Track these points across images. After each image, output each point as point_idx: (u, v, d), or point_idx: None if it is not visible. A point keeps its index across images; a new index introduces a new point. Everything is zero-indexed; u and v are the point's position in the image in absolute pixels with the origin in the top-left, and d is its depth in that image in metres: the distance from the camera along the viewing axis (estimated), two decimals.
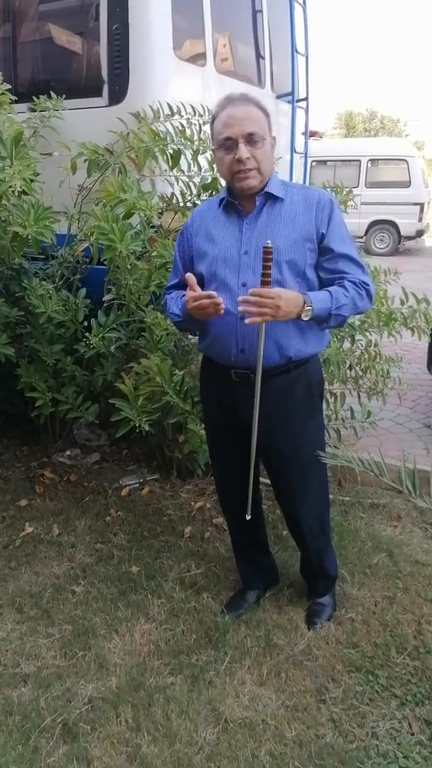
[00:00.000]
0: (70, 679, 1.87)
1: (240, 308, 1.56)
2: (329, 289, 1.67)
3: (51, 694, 1.81)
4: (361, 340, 2.92)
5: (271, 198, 1.70)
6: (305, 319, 1.61)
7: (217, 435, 2.01)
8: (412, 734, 1.70)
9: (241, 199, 1.72)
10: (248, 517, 1.95)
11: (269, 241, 1.52)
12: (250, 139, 1.62)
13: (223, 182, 2.68)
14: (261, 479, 2.10)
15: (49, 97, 2.85)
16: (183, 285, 1.77)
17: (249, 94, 1.70)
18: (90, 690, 1.83)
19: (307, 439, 1.88)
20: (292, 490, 1.98)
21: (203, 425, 2.46)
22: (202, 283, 1.75)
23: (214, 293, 1.61)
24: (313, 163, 9.12)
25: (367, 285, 1.71)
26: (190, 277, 1.65)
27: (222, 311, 1.62)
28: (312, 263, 1.71)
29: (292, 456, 1.89)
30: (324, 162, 11.33)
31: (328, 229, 1.68)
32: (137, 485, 2.96)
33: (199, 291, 1.63)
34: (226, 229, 1.74)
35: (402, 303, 2.86)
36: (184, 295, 1.70)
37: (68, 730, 1.70)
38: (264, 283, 1.54)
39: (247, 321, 1.56)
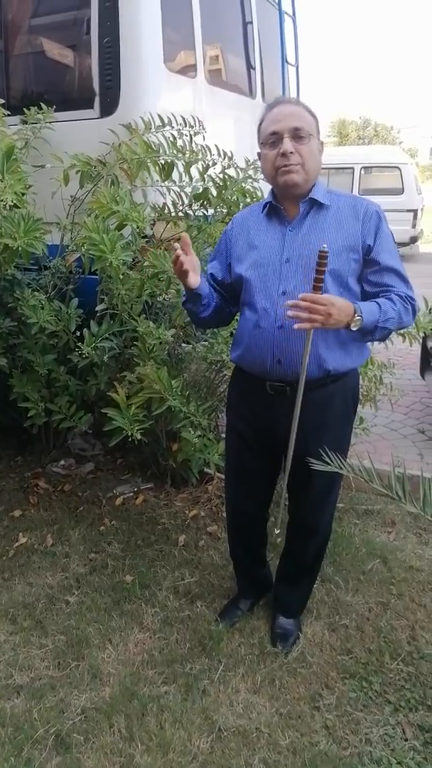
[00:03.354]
0: (63, 689, 1.87)
1: (289, 313, 1.51)
2: (377, 300, 1.62)
3: (44, 705, 1.81)
4: None
5: (316, 205, 1.66)
6: (354, 329, 1.55)
7: (240, 449, 1.94)
8: (406, 740, 1.70)
9: (286, 202, 1.69)
10: (277, 530, 1.94)
11: (325, 245, 1.45)
12: (296, 134, 1.59)
13: (214, 191, 2.75)
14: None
15: (40, 108, 2.88)
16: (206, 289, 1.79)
17: (300, 99, 1.68)
18: (83, 700, 1.83)
19: (339, 449, 1.79)
20: (315, 500, 1.90)
21: (196, 433, 2.48)
22: (241, 286, 1.74)
23: (178, 246, 1.60)
24: None
25: (413, 300, 1.67)
26: (183, 236, 1.64)
27: (185, 267, 1.62)
28: (355, 274, 1.66)
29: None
30: None
31: (375, 241, 1.64)
32: (131, 494, 2.96)
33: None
34: (267, 235, 1.70)
35: None
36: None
37: (61, 741, 1.69)
38: (316, 288, 1.49)
39: (295, 326, 1.51)
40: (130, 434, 2.30)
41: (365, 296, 1.69)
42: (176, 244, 1.63)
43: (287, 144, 1.58)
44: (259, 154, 1.71)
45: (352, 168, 11.45)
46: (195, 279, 1.68)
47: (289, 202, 1.68)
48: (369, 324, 1.57)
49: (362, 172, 11.51)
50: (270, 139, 1.62)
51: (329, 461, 1.50)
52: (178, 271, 1.66)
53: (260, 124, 1.68)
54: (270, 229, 1.71)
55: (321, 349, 1.65)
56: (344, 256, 1.63)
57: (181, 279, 1.69)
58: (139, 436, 2.30)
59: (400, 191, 11.12)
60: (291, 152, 1.59)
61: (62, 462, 3.22)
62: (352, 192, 11.01)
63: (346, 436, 1.90)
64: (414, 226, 11.25)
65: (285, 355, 1.66)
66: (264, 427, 1.83)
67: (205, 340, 2.73)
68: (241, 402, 1.89)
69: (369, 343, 1.86)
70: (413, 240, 11.53)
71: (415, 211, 11.18)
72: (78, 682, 1.89)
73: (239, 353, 1.79)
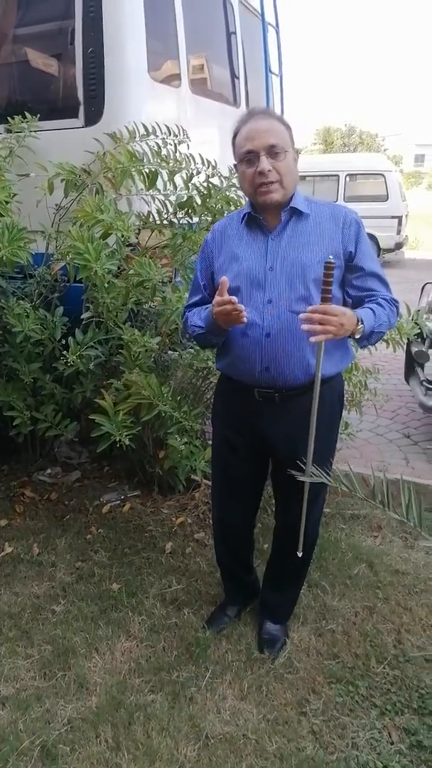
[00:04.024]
0: (49, 699, 1.85)
1: (304, 327, 1.50)
2: (370, 306, 1.65)
3: (30, 716, 1.79)
4: None
5: (297, 213, 1.69)
6: (357, 336, 1.60)
7: (227, 456, 1.94)
8: (392, 743, 1.71)
9: (265, 213, 1.70)
10: (300, 554, 1.87)
11: (331, 256, 1.48)
12: (272, 152, 1.60)
13: (198, 200, 2.77)
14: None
15: (24, 117, 2.88)
16: (203, 303, 1.78)
17: (271, 109, 1.68)
18: (69, 710, 1.82)
19: (327, 452, 1.83)
20: (303, 504, 1.86)
21: (183, 440, 2.48)
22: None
23: (235, 299, 1.58)
24: None
25: (396, 302, 1.72)
26: (224, 281, 1.60)
27: (244, 320, 1.60)
28: (337, 281, 1.68)
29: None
30: (303, 177, 11.48)
31: (357, 248, 1.68)
32: (118, 502, 2.95)
33: (226, 296, 1.59)
34: (250, 245, 1.72)
35: None
36: (207, 308, 1.70)
37: (47, 752, 1.68)
38: (324, 300, 1.50)
39: (312, 339, 1.51)
40: (118, 440, 2.30)
41: (349, 300, 1.73)
42: (232, 297, 1.57)
43: (264, 163, 1.61)
44: (235, 166, 1.72)
45: (337, 175, 11.57)
46: None
47: (269, 213, 1.70)
48: (367, 330, 1.62)
49: (347, 179, 11.63)
50: (246, 157, 1.64)
51: (314, 471, 1.51)
52: (231, 321, 1.62)
53: (234, 138, 1.69)
54: (251, 239, 1.73)
55: (307, 354, 1.67)
56: None
57: (229, 324, 1.65)
58: (127, 442, 2.31)
59: (385, 198, 11.24)
60: (269, 170, 1.61)
61: (48, 470, 3.21)
62: (337, 199, 11.12)
63: (332, 440, 1.92)
64: (399, 232, 11.38)
65: (273, 362, 1.69)
66: (252, 433, 1.84)
67: (191, 348, 2.74)
68: (229, 409, 1.91)
69: (352, 348, 1.89)
70: (398, 246, 11.65)
71: (399, 218, 11.31)
72: (64, 692, 1.88)
73: (227, 362, 1.81)
